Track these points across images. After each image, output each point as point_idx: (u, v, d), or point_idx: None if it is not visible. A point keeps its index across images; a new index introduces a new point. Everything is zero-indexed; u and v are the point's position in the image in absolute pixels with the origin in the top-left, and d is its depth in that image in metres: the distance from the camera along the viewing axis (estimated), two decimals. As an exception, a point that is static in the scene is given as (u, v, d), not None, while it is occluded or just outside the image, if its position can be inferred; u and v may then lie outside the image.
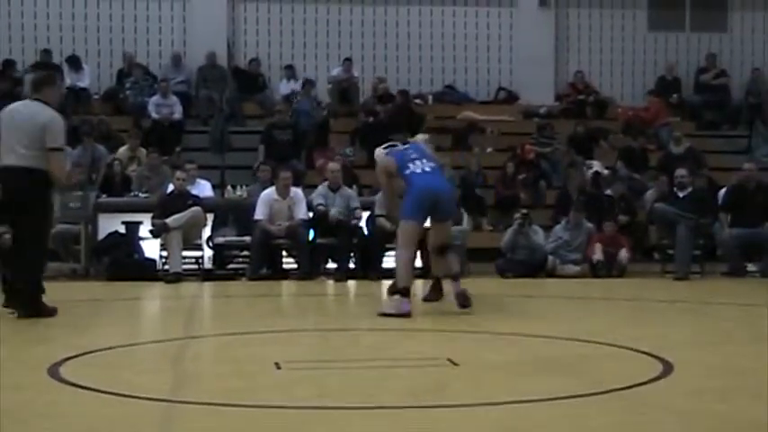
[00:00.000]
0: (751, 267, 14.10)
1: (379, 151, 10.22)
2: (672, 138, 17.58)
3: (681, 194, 14.09)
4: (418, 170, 9.55)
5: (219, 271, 13.63)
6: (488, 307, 9.83)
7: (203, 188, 14.73)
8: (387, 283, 12.56)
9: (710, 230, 14.05)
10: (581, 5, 21.11)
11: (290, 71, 19.60)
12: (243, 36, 20.35)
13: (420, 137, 10.62)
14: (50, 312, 8.85)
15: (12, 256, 9.09)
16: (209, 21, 19.71)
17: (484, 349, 7.30)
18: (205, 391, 5.66)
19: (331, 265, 13.71)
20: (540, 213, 15.36)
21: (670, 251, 13.94)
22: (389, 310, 9.28)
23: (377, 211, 13.70)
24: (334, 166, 14.27)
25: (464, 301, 9.37)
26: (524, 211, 14.35)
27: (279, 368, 6.31)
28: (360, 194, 14.60)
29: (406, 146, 10.06)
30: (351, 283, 12.98)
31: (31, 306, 8.78)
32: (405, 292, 9.31)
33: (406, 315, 9.08)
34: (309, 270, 13.27)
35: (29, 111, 8.86)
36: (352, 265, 13.60)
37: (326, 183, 13.99)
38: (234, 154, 17.66)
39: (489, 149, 18.50)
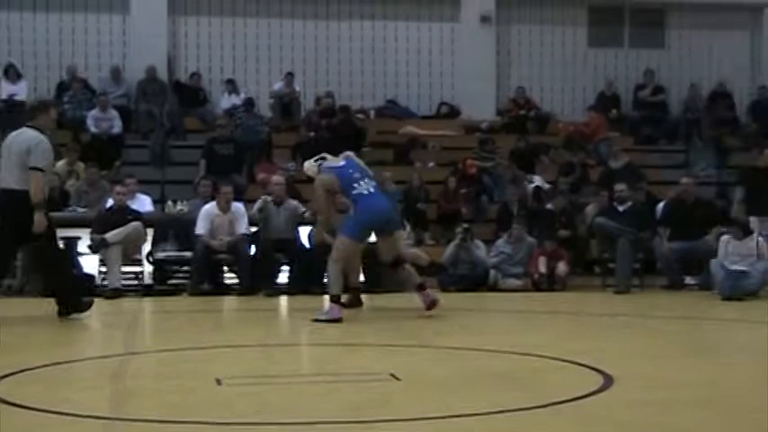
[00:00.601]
0: (689, 280, 14.26)
1: (311, 165, 10.43)
2: (610, 152, 17.73)
3: (620, 209, 14.23)
4: (365, 191, 10.01)
5: (160, 286, 13.51)
6: (430, 321, 9.83)
7: (143, 203, 14.59)
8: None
9: (650, 244, 14.19)
10: (522, 21, 21.29)
11: (231, 85, 19.51)
12: (183, 50, 20.25)
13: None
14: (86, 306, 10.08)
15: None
16: (149, 34, 19.57)
17: (426, 363, 7.29)
18: (145, 408, 5.59)
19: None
20: (482, 228, 15.41)
21: (610, 265, 14.06)
22: (321, 316, 9.84)
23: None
24: (278, 179, 14.20)
25: (432, 306, 10.01)
26: (466, 225, 14.40)
27: (220, 384, 6.25)
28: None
29: (341, 162, 10.35)
30: (292, 297, 12.92)
31: (71, 304, 9.98)
32: (336, 299, 9.92)
33: (338, 320, 9.71)
34: (251, 285, 13.19)
35: (22, 137, 9.81)
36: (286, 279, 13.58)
37: (267, 196, 13.91)
38: (174, 168, 17.53)
39: (431, 164, 18.55)
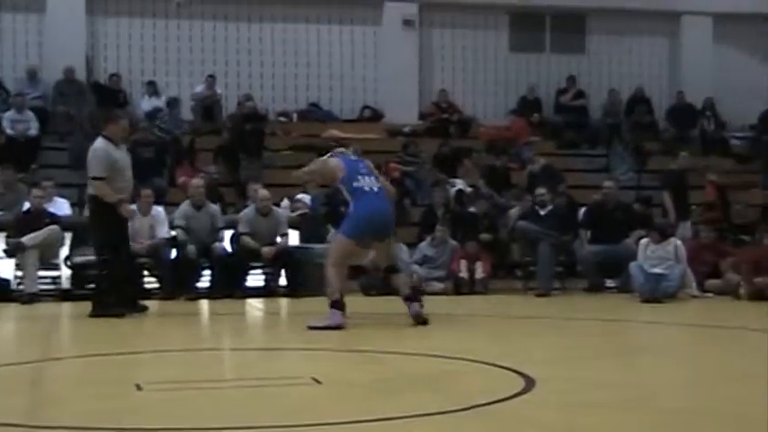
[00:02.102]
0: (610, 283, 14.43)
1: (325, 158, 10.07)
2: (527, 156, 17.84)
3: (542, 212, 14.34)
4: (366, 188, 9.54)
5: (78, 291, 13.30)
6: (352, 325, 9.80)
7: (61, 206, 14.38)
8: (251, 301, 12.51)
9: (571, 247, 14.32)
10: (444, 25, 21.38)
11: (151, 87, 19.29)
12: (102, 50, 19.97)
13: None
14: (118, 314, 10.47)
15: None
16: (67, 34, 19.27)
17: (348, 367, 7.27)
18: (64, 415, 5.48)
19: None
20: (405, 231, 15.40)
21: (532, 268, 14.16)
22: (320, 323, 9.29)
23: (240, 230, 13.59)
24: (197, 182, 14.10)
25: (420, 320, 9.53)
26: None
27: (140, 389, 6.16)
28: (224, 213, 14.44)
29: (353, 157, 9.93)
30: (214, 302, 12.80)
31: (95, 309, 10.64)
32: (336, 305, 9.34)
33: (340, 327, 9.18)
34: (172, 289, 13.06)
35: (91, 148, 10.79)
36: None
37: (189, 201, 13.79)
38: (94, 171, 17.24)
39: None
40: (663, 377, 6.88)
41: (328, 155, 10.10)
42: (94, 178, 10.61)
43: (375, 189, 9.60)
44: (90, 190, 10.79)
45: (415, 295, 9.85)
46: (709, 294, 13.45)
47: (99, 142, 10.74)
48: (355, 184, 9.56)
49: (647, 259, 13.05)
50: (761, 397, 5.77)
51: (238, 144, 17.49)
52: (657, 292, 12.65)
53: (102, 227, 10.73)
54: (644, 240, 13.37)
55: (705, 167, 19.56)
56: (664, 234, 13.36)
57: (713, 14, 21.85)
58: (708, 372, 7.02)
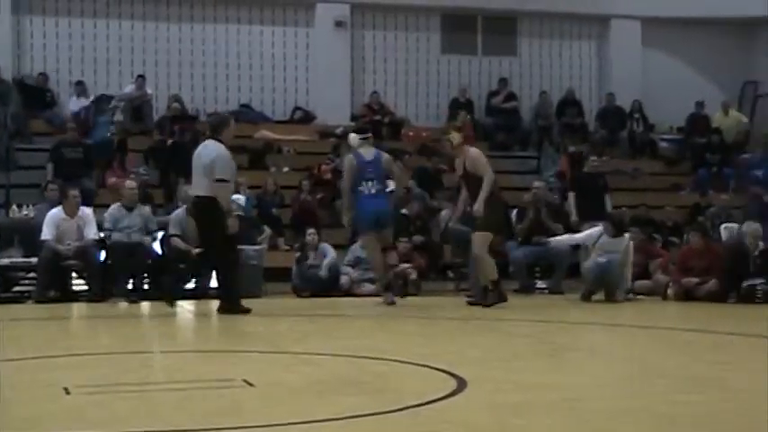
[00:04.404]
0: (540, 284, 14.51)
1: (355, 139, 12.09)
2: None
3: (474, 213, 14.36)
4: (366, 192, 11.56)
5: (4, 294, 13.11)
6: (284, 326, 9.76)
7: (-13, 207, 14.15)
8: (183, 303, 12.41)
9: (502, 249, 14.37)
10: (376, 27, 21.40)
11: (80, 87, 19.06)
12: (29, 50, 19.68)
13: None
14: (245, 311, 10.78)
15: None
16: (-8, 33, 18.98)
17: (280, 369, 7.21)
18: (-13, 420, 5.37)
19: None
20: (338, 233, 15.39)
21: (464, 269, 14.20)
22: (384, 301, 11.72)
23: (170, 231, 13.48)
24: (131, 183, 13.97)
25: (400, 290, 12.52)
26: (311, 230, 14.34)
27: (68, 393, 6.06)
28: (154, 214, 14.30)
29: (369, 158, 11.80)
30: (144, 304, 12.67)
31: (226, 306, 10.91)
32: (387, 287, 11.79)
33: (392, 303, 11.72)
34: (101, 291, 12.90)
35: (207, 150, 10.89)
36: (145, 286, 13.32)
37: (119, 203, 13.63)
38: (20, 172, 17.03)
39: (286, 169, 18.46)
40: (593, 377, 6.92)
41: (357, 139, 12.12)
42: (221, 180, 10.70)
43: (374, 191, 11.64)
44: (203, 191, 10.80)
45: (389, 285, 12.07)
46: (639, 296, 13.58)
47: (221, 147, 10.86)
48: (359, 188, 11.62)
49: (596, 249, 13.01)
50: (688, 396, 5.84)
51: (169, 146, 17.32)
52: (601, 283, 12.81)
53: (217, 227, 10.81)
54: (596, 229, 13.32)
55: (635, 170, 19.83)
56: (619, 229, 13.29)
57: (641, 18, 22.14)
58: (637, 372, 7.08)
